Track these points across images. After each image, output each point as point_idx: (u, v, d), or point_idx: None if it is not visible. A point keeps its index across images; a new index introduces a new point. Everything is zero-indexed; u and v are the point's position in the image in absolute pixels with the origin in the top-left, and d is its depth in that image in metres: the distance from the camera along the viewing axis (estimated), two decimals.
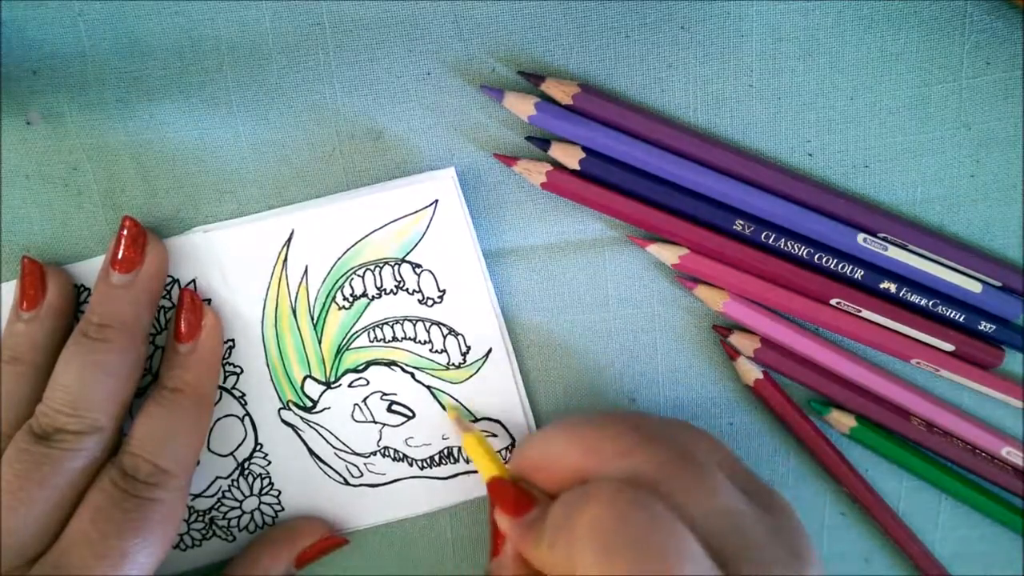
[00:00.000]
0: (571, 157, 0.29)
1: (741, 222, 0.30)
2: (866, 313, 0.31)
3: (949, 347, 0.31)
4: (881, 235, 0.30)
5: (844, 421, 0.32)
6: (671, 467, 0.24)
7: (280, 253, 0.30)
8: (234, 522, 0.33)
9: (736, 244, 0.30)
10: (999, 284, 0.31)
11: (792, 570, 0.22)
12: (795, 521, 0.24)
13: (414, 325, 0.31)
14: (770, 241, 0.30)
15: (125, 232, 0.28)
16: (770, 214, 0.30)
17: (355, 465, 0.32)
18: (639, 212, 0.30)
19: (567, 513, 0.23)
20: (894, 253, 0.30)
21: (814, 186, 0.30)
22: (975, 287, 0.31)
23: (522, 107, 0.29)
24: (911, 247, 0.30)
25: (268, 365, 0.31)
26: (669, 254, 0.31)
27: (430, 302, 0.31)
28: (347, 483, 0.33)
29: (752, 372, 0.32)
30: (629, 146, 0.29)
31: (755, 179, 0.30)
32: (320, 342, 0.31)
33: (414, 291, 0.31)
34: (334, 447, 0.32)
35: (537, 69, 0.29)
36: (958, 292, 0.31)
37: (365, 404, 0.32)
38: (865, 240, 0.30)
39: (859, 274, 0.30)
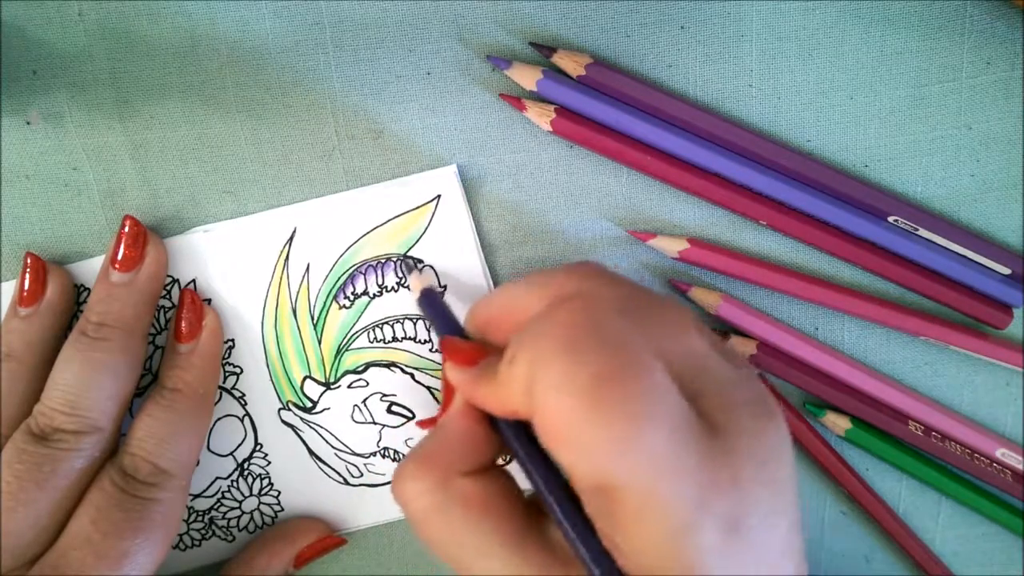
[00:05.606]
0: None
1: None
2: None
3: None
4: (892, 218, 0.30)
5: (839, 423, 0.32)
6: (643, 303, 0.23)
7: (282, 251, 0.30)
8: (233, 522, 0.33)
9: (744, 216, 0.30)
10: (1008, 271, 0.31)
11: (758, 418, 0.21)
12: (756, 374, 0.23)
13: (414, 324, 0.31)
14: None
15: (126, 231, 0.28)
16: (779, 192, 0.30)
17: (355, 465, 0.32)
18: (647, 153, 0.29)
19: (534, 324, 0.21)
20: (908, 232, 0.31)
21: (824, 167, 0.30)
22: (993, 264, 0.31)
23: (528, 76, 0.29)
24: (921, 231, 0.31)
25: (268, 365, 0.31)
26: (670, 247, 0.31)
27: None
28: (347, 483, 0.33)
29: None
30: (639, 121, 0.29)
31: (769, 160, 0.30)
32: (320, 343, 0.31)
33: None
34: (334, 447, 0.32)
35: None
36: (968, 267, 0.31)
37: (365, 405, 0.32)
38: (879, 223, 0.30)
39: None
